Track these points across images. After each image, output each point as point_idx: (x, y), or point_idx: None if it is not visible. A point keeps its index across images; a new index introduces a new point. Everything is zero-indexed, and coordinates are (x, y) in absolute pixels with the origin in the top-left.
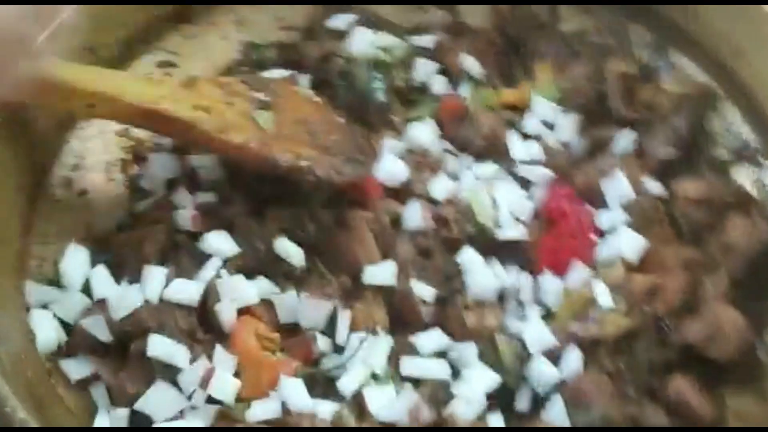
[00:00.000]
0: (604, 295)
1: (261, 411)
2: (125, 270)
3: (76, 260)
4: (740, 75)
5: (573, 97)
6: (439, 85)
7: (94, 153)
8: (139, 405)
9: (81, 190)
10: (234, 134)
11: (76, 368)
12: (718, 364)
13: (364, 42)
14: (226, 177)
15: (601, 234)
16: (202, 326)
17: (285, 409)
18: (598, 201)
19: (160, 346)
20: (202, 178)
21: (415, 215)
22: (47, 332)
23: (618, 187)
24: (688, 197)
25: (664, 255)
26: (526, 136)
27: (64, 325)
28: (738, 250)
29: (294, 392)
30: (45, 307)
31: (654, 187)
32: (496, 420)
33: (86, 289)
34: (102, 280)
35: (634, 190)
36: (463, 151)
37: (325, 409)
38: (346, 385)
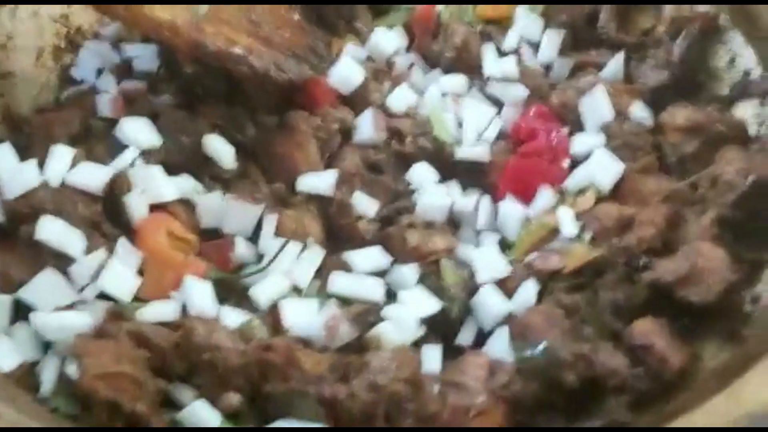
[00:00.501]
0: (568, 223)
1: (156, 312)
2: (33, 152)
3: None
4: None
5: (559, 14)
6: None
7: (26, 36)
8: (23, 292)
9: (5, 71)
10: (159, 9)
11: None
12: (695, 310)
13: None
14: (161, 68)
15: (575, 164)
16: (108, 219)
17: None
18: (576, 124)
19: (51, 230)
20: (136, 68)
21: (367, 125)
22: None
23: (597, 105)
24: (677, 125)
25: (642, 185)
26: (503, 54)
27: None
28: (729, 184)
29: (197, 294)
30: None
31: (641, 113)
32: (431, 350)
33: None
34: (4, 158)
35: (619, 116)
36: (433, 68)
37: (232, 317)
38: (261, 293)
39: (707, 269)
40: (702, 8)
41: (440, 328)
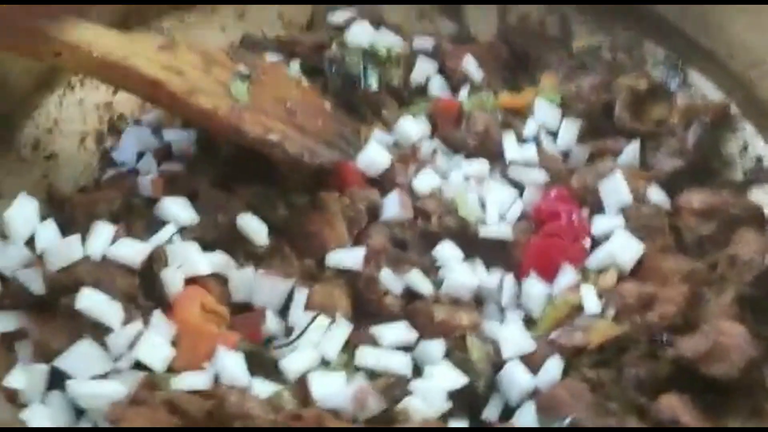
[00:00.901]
0: (591, 300)
1: (189, 381)
2: (75, 230)
3: (23, 211)
4: (759, 87)
5: (577, 104)
6: (437, 85)
7: (71, 121)
8: (59, 361)
9: (50, 153)
10: (203, 98)
11: (3, 322)
12: (718, 386)
13: (361, 33)
14: (199, 151)
15: (596, 244)
16: (145, 293)
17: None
18: (595, 206)
19: (91, 301)
20: (175, 151)
21: (393, 204)
22: None
23: (616, 189)
24: (693, 208)
25: (662, 265)
26: (523, 141)
27: (2, 277)
28: (748, 264)
29: (229, 365)
30: None
31: (658, 196)
32: (458, 424)
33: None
34: (47, 233)
35: (636, 200)
36: (456, 153)
37: (262, 388)
38: (290, 365)
39: (729, 346)
40: (713, 99)
41: (466, 403)
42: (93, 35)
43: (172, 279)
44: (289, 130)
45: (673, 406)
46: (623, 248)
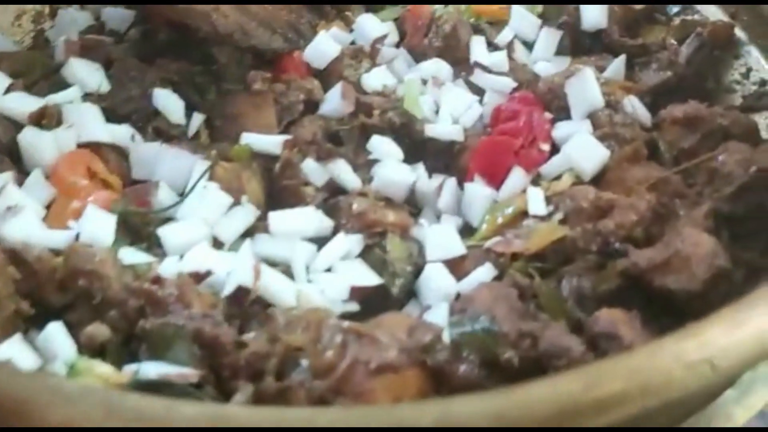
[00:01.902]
0: (537, 201)
1: (44, 236)
2: None
3: None
4: None
5: (559, 16)
6: None
7: None
8: None
9: None
10: None
11: None
12: (675, 303)
13: None
14: (133, 29)
15: (557, 151)
16: None
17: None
18: (562, 112)
19: None
20: (107, 27)
21: (334, 97)
22: None
23: (585, 89)
24: (675, 117)
25: (628, 174)
26: (495, 49)
27: None
28: (729, 176)
29: (94, 223)
30: None
31: (636, 107)
32: None
33: None
34: None
35: (610, 107)
36: (419, 63)
37: (131, 257)
38: (171, 234)
39: (692, 255)
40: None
41: (377, 308)
42: None
43: (60, 139)
44: (227, 7)
45: (613, 318)
46: (584, 153)
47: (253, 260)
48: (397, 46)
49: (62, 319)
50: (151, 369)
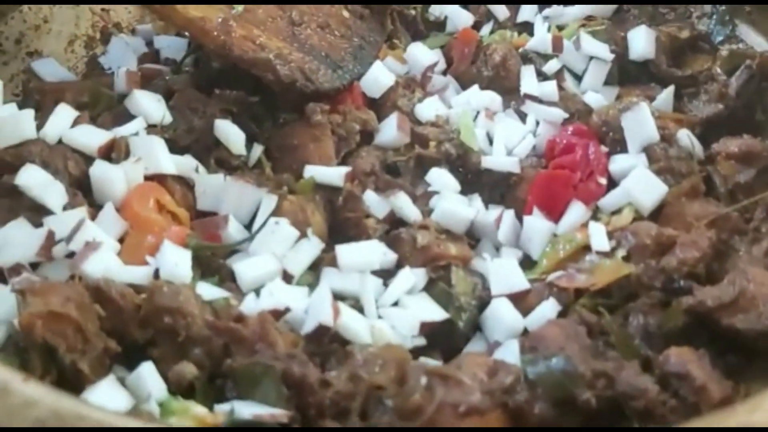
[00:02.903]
0: (600, 238)
1: (125, 273)
2: (40, 116)
3: None
4: None
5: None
6: (458, 19)
7: (63, 22)
8: None
9: (33, 50)
10: (192, 7)
11: None
12: (742, 343)
13: None
14: (188, 58)
15: (614, 184)
16: None
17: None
18: (617, 145)
19: (32, 178)
20: (163, 56)
21: (390, 127)
22: None
23: (641, 122)
24: (730, 152)
25: (687, 210)
26: (544, 78)
27: None
28: None
29: (172, 259)
30: None
31: (690, 141)
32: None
33: None
34: (4, 113)
35: (665, 140)
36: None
37: (209, 292)
38: (246, 272)
39: (758, 294)
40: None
41: (443, 342)
42: None
43: (131, 171)
44: (287, 47)
45: (684, 358)
46: (643, 187)
47: (331, 298)
48: (444, 73)
49: (145, 354)
50: (245, 410)
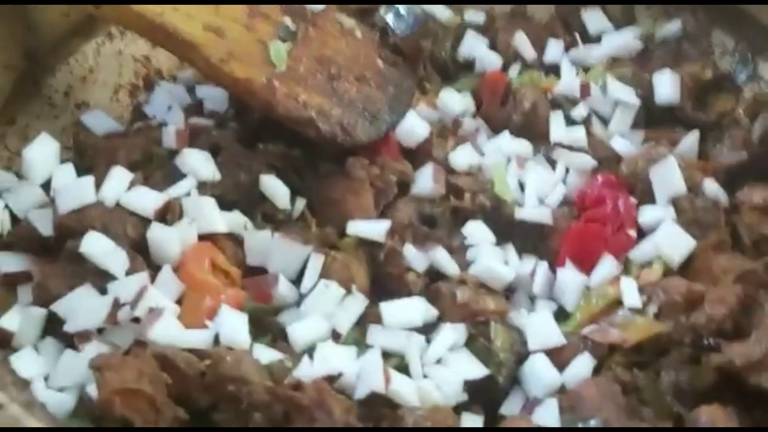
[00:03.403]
0: (632, 294)
1: (188, 338)
2: (95, 175)
3: (43, 151)
4: None
5: (635, 89)
6: (485, 61)
7: (107, 71)
8: (57, 306)
9: (81, 101)
10: (237, 66)
11: (8, 261)
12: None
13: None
14: (231, 110)
15: (642, 236)
16: None
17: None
18: (645, 195)
19: (95, 245)
20: (207, 108)
21: (426, 179)
22: None
23: (669, 176)
24: (754, 203)
25: (714, 263)
26: (572, 123)
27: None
28: None
29: (231, 324)
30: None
31: (715, 190)
32: (472, 419)
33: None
34: (64, 176)
35: (691, 192)
36: (499, 133)
37: (265, 354)
38: (298, 333)
39: None
40: None
41: (484, 396)
42: None
43: (184, 232)
44: (327, 102)
45: (714, 417)
46: (672, 241)
47: (381, 365)
48: (474, 115)
49: (209, 418)
50: None
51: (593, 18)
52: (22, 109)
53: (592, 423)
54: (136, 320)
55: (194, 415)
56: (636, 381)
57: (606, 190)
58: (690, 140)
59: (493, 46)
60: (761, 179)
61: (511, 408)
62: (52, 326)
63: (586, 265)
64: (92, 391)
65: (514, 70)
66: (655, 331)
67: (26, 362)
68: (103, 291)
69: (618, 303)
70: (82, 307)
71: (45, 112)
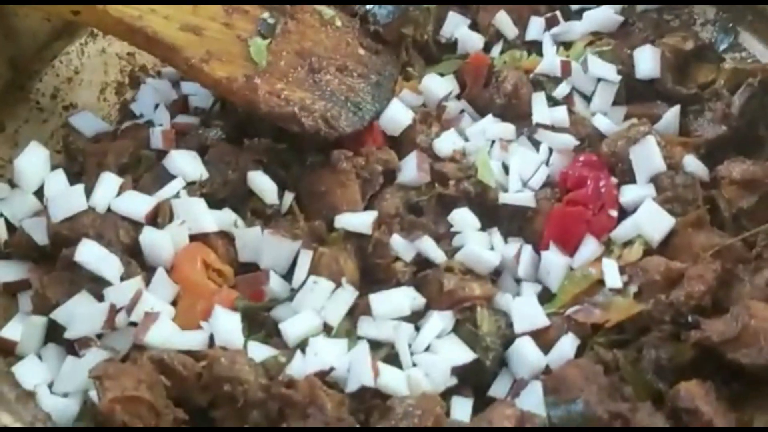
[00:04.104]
0: (613, 275)
1: (183, 340)
2: (85, 179)
3: (33, 159)
4: None
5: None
6: (467, 42)
7: (92, 70)
8: (56, 314)
9: (69, 103)
10: (217, 65)
11: (6, 271)
12: (746, 374)
13: None
14: (216, 104)
15: (624, 214)
16: None
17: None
18: (626, 174)
19: (89, 253)
20: (192, 104)
21: (410, 167)
22: None
23: (648, 156)
24: (733, 178)
25: (693, 240)
26: (554, 102)
27: (11, 226)
28: None
29: (224, 325)
30: None
31: (695, 166)
32: (461, 403)
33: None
34: (55, 183)
35: (671, 169)
36: (483, 115)
37: (259, 352)
38: (290, 329)
39: (760, 330)
40: (765, 62)
41: (473, 379)
42: None
43: (177, 233)
44: (309, 96)
45: (693, 393)
46: (652, 221)
47: (369, 359)
48: (459, 96)
49: (208, 416)
50: None
51: None
52: (10, 115)
53: (574, 404)
54: (134, 324)
55: (193, 414)
56: (617, 360)
57: (587, 170)
58: (670, 116)
59: (474, 26)
60: (741, 152)
61: (499, 390)
62: (53, 333)
63: (569, 247)
64: (95, 396)
65: (496, 50)
66: (636, 311)
67: (29, 371)
68: (100, 297)
69: (600, 283)
70: (80, 315)
71: (33, 116)
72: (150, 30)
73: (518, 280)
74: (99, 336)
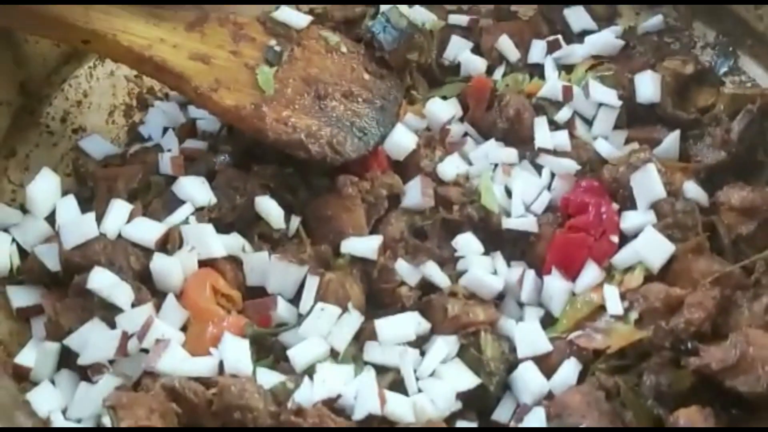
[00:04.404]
0: (614, 302)
1: (194, 367)
2: (96, 205)
3: (45, 185)
4: None
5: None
6: (471, 64)
7: (101, 94)
8: (69, 340)
9: (78, 126)
10: (226, 94)
11: (20, 296)
12: (744, 401)
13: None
14: (223, 128)
15: (625, 240)
16: None
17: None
18: (627, 200)
19: (101, 281)
20: (200, 128)
21: (415, 191)
22: (1, 255)
23: (648, 182)
24: (732, 205)
25: (693, 266)
26: (556, 127)
27: (23, 251)
28: None
29: (234, 352)
30: (6, 230)
31: (695, 192)
32: (468, 425)
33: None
34: (67, 209)
35: (671, 195)
36: (486, 138)
37: (267, 378)
38: (298, 355)
39: (758, 358)
40: (764, 86)
41: (477, 403)
42: (122, 22)
43: (186, 260)
44: (316, 123)
45: (692, 419)
46: (652, 247)
47: (376, 387)
48: (462, 119)
49: None
50: None
51: (576, 15)
52: (21, 140)
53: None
54: (145, 350)
55: None
56: (618, 385)
57: (588, 196)
58: (670, 140)
59: (477, 49)
60: (741, 177)
61: (502, 414)
62: (67, 359)
63: (571, 272)
64: (108, 421)
65: (498, 72)
66: (637, 338)
67: (44, 397)
68: (111, 323)
69: (602, 308)
70: (92, 341)
71: (43, 141)
72: (159, 59)
73: (521, 305)
74: (111, 362)
